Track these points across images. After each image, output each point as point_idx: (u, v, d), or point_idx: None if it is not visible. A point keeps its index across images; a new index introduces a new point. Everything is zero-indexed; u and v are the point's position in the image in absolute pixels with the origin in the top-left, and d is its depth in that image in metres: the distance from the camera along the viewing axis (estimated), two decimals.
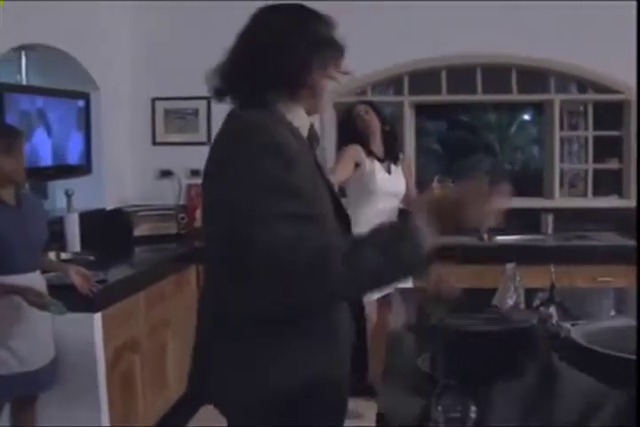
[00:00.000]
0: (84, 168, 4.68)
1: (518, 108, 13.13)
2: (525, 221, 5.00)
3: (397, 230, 1.65)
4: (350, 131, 4.28)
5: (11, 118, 4.01)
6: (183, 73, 5.16)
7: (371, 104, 4.29)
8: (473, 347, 1.81)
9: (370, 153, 4.20)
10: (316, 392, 1.83)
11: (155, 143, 5.32)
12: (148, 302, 3.96)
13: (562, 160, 5.29)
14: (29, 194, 3.47)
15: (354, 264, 1.60)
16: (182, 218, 5.03)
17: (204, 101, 5.18)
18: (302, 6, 1.96)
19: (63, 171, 4.55)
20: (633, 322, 1.90)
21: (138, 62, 5.27)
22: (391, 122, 4.38)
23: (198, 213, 5.16)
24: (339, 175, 4.11)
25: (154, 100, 5.27)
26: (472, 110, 13.31)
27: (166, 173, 5.29)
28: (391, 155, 4.25)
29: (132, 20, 5.25)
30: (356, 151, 4.22)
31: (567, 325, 2.25)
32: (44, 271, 3.36)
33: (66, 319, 3.23)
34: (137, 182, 5.35)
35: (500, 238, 4.95)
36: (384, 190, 4.15)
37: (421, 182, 4.57)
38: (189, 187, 5.25)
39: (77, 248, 4.31)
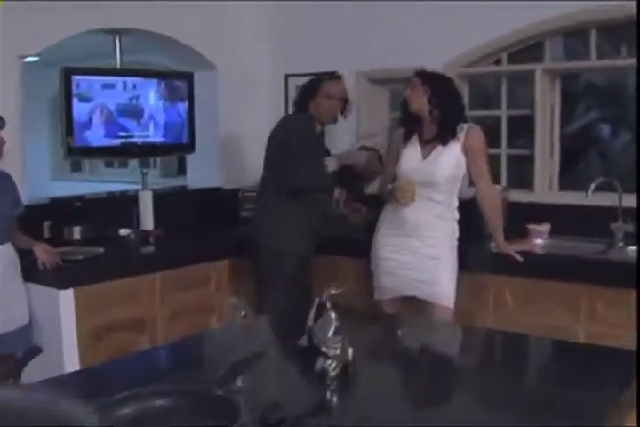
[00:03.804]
0: (187, 147, 4.73)
1: None
2: None
3: None
4: (402, 110, 3.73)
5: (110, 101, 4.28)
6: (309, 49, 4.97)
7: (425, 76, 3.66)
8: None
9: (410, 135, 3.64)
10: None
11: None
12: (169, 284, 3.90)
13: None
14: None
15: None
16: None
17: None
18: None
19: (161, 149, 4.70)
20: None
21: (269, 40, 5.13)
22: (454, 97, 3.68)
23: None
24: (385, 175, 3.85)
25: (287, 76, 5.10)
26: None
27: None
28: (441, 136, 3.59)
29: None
30: (393, 141, 3.83)
31: None
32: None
33: (40, 292, 3.43)
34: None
35: None
36: (411, 179, 3.56)
37: None
38: None
39: (150, 225, 4.38)
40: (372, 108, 4.86)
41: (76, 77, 4.18)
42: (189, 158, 5.13)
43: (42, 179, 7.07)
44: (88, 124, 4.25)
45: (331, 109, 3.96)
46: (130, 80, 4.44)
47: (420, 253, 3.57)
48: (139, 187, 4.55)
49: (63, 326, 3.51)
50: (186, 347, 2.28)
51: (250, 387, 1.72)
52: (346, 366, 1.86)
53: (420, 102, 3.57)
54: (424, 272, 3.56)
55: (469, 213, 3.69)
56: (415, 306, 3.74)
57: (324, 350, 1.80)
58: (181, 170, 6.12)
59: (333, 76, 4.02)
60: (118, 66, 4.64)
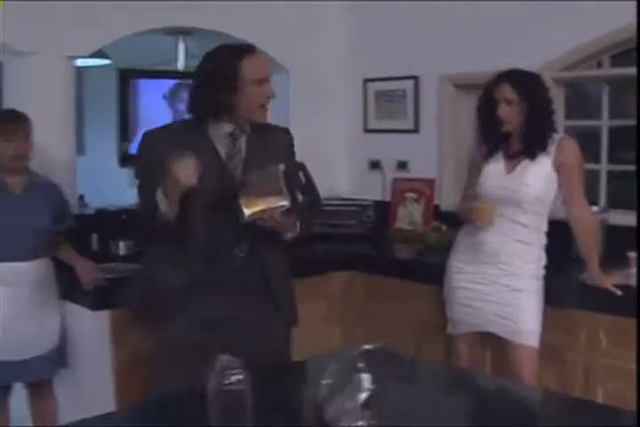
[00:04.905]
0: None
1: None
2: None
3: None
4: (484, 120, 3.25)
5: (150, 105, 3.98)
6: (389, 51, 4.55)
7: (520, 83, 3.09)
8: None
9: (494, 151, 3.17)
10: None
11: (366, 130, 4.73)
12: None
13: None
14: (44, 181, 3.29)
15: None
16: (368, 216, 4.40)
17: (412, 81, 4.44)
18: None
19: None
20: None
21: (346, 42, 4.73)
22: (547, 104, 3.18)
23: (400, 212, 4.50)
24: (464, 194, 3.37)
25: (366, 81, 4.67)
26: None
27: (375, 165, 4.66)
28: (529, 149, 3.11)
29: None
30: (473, 160, 3.33)
31: None
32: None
33: (75, 312, 3.17)
34: (346, 173, 4.83)
35: None
36: (492, 197, 3.09)
37: None
38: (395, 181, 4.57)
39: None
40: (456, 116, 4.39)
41: (135, 80, 3.90)
42: None
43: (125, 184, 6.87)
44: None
45: (263, 100, 2.63)
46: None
47: (499, 283, 3.10)
48: None
49: (97, 352, 3.19)
50: (160, 412, 1.86)
51: None
52: None
53: (517, 120, 3.09)
54: (505, 306, 3.09)
55: (558, 236, 3.20)
56: (493, 344, 3.28)
57: None
58: None
59: (251, 49, 2.66)
60: (181, 68, 4.32)
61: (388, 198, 4.57)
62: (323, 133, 4.71)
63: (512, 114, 3.08)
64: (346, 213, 4.41)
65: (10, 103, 3.62)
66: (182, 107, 4.14)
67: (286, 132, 2.87)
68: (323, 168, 4.72)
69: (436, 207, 4.40)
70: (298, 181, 2.84)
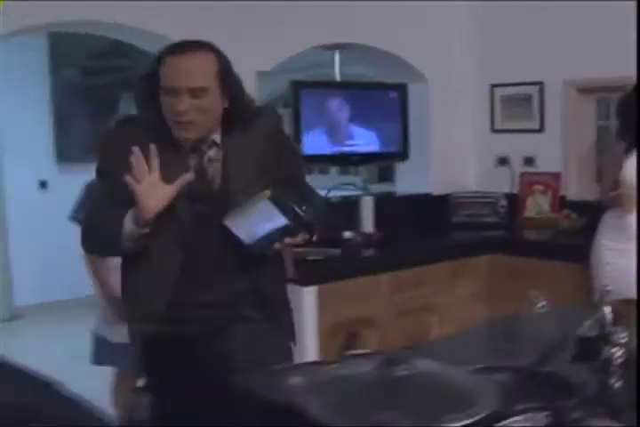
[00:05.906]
0: (401, 155, 4.99)
1: None
2: None
3: None
4: (622, 122, 3.82)
5: (314, 112, 4.59)
6: (516, 58, 5.11)
7: None
8: None
9: (632, 146, 3.75)
10: None
11: (493, 130, 5.30)
12: (396, 284, 4.15)
13: None
14: None
15: None
16: (502, 207, 4.98)
17: (537, 87, 5.01)
18: None
19: (377, 157, 4.99)
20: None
21: (475, 51, 5.29)
22: None
23: (529, 203, 5.07)
24: (605, 184, 3.96)
25: (492, 86, 5.25)
26: None
27: (503, 161, 5.25)
28: None
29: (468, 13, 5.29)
30: (613, 153, 3.93)
31: None
32: None
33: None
34: (476, 169, 5.40)
35: None
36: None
37: None
38: (522, 175, 5.14)
39: (370, 228, 4.66)
40: (578, 118, 4.94)
41: (304, 91, 4.52)
42: (399, 166, 5.38)
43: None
44: (313, 133, 4.57)
45: (172, 115, 2.23)
46: (350, 92, 4.75)
47: None
48: (338, 193, 4.94)
49: (305, 322, 3.78)
50: (493, 330, 2.57)
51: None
52: (629, 355, 2.04)
53: None
54: None
55: None
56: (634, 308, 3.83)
57: (614, 338, 1.98)
58: (381, 177, 6.42)
59: (176, 49, 2.25)
60: (338, 79, 4.95)
61: (515, 191, 5.14)
62: (454, 133, 5.30)
63: None
64: (481, 204, 5.01)
65: None
66: (341, 115, 4.74)
67: (270, 115, 2.47)
68: (454, 165, 5.35)
69: (562, 198, 4.96)
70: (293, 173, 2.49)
